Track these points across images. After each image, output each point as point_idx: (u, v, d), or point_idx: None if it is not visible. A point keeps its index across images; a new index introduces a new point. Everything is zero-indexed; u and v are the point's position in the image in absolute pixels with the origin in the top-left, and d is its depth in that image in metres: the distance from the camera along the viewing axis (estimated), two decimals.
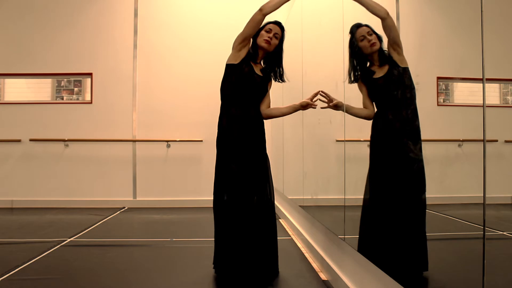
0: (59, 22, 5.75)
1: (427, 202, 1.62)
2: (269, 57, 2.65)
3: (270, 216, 2.59)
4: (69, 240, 3.64)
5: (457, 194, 1.47)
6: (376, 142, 2.02)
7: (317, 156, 3.20)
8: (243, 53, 2.57)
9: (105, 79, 5.77)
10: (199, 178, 5.67)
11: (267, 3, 2.46)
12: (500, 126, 1.28)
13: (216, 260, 2.57)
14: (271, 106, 2.74)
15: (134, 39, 5.80)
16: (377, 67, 2.02)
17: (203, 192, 5.39)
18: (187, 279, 2.60)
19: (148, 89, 5.80)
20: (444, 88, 1.57)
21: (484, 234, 1.17)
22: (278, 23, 2.62)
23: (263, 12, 2.46)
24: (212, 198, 2.58)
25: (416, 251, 1.71)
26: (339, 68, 2.33)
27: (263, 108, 2.67)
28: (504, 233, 1.34)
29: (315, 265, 2.86)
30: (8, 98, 5.86)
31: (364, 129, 2.09)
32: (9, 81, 5.89)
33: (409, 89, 1.77)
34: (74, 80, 5.90)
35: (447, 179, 1.54)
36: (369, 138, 2.06)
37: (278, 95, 3.93)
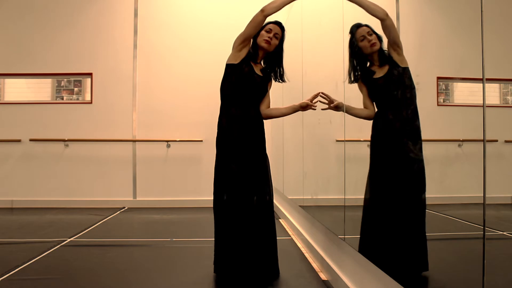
0: (59, 22, 5.75)
1: (427, 202, 1.62)
2: (269, 57, 2.65)
3: (270, 216, 2.59)
4: (69, 240, 3.64)
5: (457, 194, 1.47)
6: (376, 142, 2.02)
7: (317, 156, 3.20)
8: (243, 53, 2.57)
9: (105, 79, 5.77)
10: (199, 178, 5.68)
11: (269, 4, 2.46)
12: (500, 126, 1.28)
13: (216, 261, 2.57)
14: (271, 106, 2.73)
15: (134, 39, 5.80)
16: (377, 67, 2.02)
17: (203, 192, 5.39)
18: (187, 279, 2.60)
19: (148, 89, 5.80)
20: (444, 88, 1.57)
21: (484, 234, 1.17)
22: (278, 23, 2.62)
23: (264, 13, 2.46)
24: (212, 198, 2.58)
25: (416, 251, 1.71)
26: (339, 68, 2.33)
27: (263, 108, 2.66)
28: (504, 233, 1.34)
29: (315, 265, 2.86)
30: (8, 98, 5.86)
31: (364, 129, 2.10)
32: (9, 81, 5.89)
33: (409, 89, 1.77)
34: (74, 80, 5.90)
35: (447, 179, 1.54)
36: (369, 138, 2.06)
37: (278, 95, 3.93)
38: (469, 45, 1.34)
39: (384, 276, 1.77)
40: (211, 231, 2.61)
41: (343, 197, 2.35)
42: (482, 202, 1.17)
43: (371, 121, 2.06)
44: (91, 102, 5.78)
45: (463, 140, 1.41)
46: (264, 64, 2.68)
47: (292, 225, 3.99)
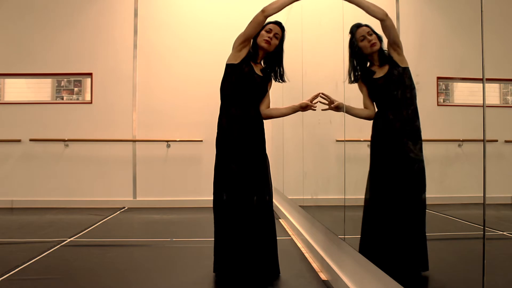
0: (59, 22, 5.75)
1: (427, 202, 1.62)
2: (269, 57, 2.65)
3: (270, 215, 2.59)
4: (69, 240, 3.64)
5: (457, 194, 1.47)
6: (376, 142, 2.02)
7: (317, 156, 3.20)
8: (243, 53, 2.57)
9: (105, 79, 5.77)
10: (199, 178, 5.68)
11: (269, 5, 2.46)
12: (500, 126, 1.28)
13: (216, 260, 2.57)
14: (271, 106, 2.73)
15: (134, 39, 5.80)
16: (377, 67, 2.02)
17: (203, 192, 5.38)
18: (187, 279, 2.60)
19: (148, 89, 5.80)
20: (444, 88, 1.57)
21: (484, 234, 1.17)
22: (278, 23, 2.62)
23: (265, 13, 2.46)
24: (212, 198, 2.58)
25: (416, 251, 1.71)
26: (339, 68, 2.33)
27: (263, 108, 2.66)
28: (504, 233, 1.34)
29: (315, 265, 2.86)
30: (8, 98, 5.86)
31: (364, 129, 2.10)
32: (9, 81, 5.89)
33: (409, 89, 1.77)
34: (74, 80, 5.90)
35: (447, 179, 1.54)
36: (369, 138, 2.06)
37: (278, 95, 3.93)
38: (469, 45, 1.34)
39: (384, 276, 1.77)
40: (211, 231, 2.61)
41: (343, 197, 2.35)
42: (482, 202, 1.17)
43: (371, 121, 2.06)
44: (91, 102, 5.78)
45: (463, 140, 1.41)
46: (264, 64, 2.68)
47: (292, 225, 3.99)
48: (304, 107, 2.64)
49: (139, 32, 5.81)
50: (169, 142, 5.78)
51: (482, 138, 1.18)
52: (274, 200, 2.61)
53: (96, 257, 3.12)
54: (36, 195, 5.61)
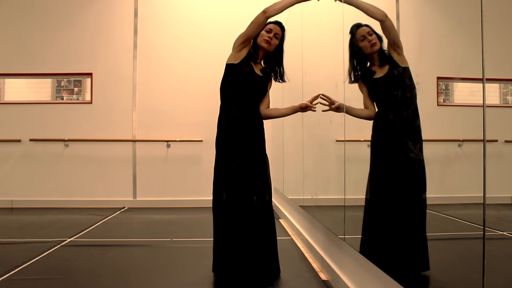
0: (59, 22, 5.75)
1: (427, 202, 1.63)
2: (270, 57, 2.65)
3: (269, 215, 2.59)
4: (69, 240, 3.64)
5: (457, 194, 1.47)
6: (377, 142, 2.02)
7: (317, 156, 3.20)
8: (243, 53, 2.57)
9: (105, 79, 5.77)
10: (199, 178, 5.67)
11: (271, 6, 2.46)
12: (500, 126, 1.28)
13: (215, 261, 2.56)
14: (271, 107, 2.73)
15: (134, 39, 5.80)
16: (377, 67, 2.02)
17: (203, 192, 5.38)
18: (187, 279, 2.60)
19: (148, 89, 5.80)
20: (444, 88, 1.57)
21: (484, 234, 1.17)
22: (278, 23, 2.62)
23: (266, 14, 2.46)
24: (211, 198, 2.58)
25: (417, 251, 1.71)
26: (339, 68, 2.33)
27: (263, 108, 2.66)
28: (504, 233, 1.34)
29: (315, 265, 2.86)
30: (8, 98, 5.86)
31: (364, 129, 2.10)
32: (9, 81, 5.89)
33: (409, 89, 1.77)
34: (74, 80, 5.90)
35: (447, 179, 1.54)
36: (369, 138, 2.06)
37: (278, 95, 3.93)
38: (469, 45, 1.34)
39: (384, 276, 1.77)
40: (211, 231, 2.61)
41: (343, 197, 2.35)
42: (482, 202, 1.17)
43: (371, 121, 2.06)
44: (91, 102, 5.78)
45: (463, 140, 1.41)
46: (264, 64, 2.68)
47: (292, 225, 3.99)
48: (304, 108, 2.64)
49: (139, 32, 5.81)
50: (169, 142, 5.78)
51: (482, 138, 1.18)
52: (274, 200, 2.61)
53: (96, 257, 3.12)
54: (36, 195, 5.61)
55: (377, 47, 2.01)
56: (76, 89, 5.91)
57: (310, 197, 3.33)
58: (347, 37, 2.17)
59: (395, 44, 1.86)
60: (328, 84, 2.64)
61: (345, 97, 2.31)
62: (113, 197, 5.67)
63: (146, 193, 5.75)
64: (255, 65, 2.61)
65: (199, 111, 5.66)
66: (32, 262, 2.92)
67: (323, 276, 2.62)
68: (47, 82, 5.89)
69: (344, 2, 2.19)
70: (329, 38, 2.80)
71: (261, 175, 2.58)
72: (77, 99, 5.89)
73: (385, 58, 1.96)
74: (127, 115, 5.78)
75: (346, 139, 2.37)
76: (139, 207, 5.63)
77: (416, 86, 1.70)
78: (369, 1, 2.06)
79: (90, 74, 5.79)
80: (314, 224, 3.13)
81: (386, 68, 1.96)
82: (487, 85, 1.19)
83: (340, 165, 2.43)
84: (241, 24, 2.63)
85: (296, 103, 2.70)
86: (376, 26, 1.97)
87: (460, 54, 1.42)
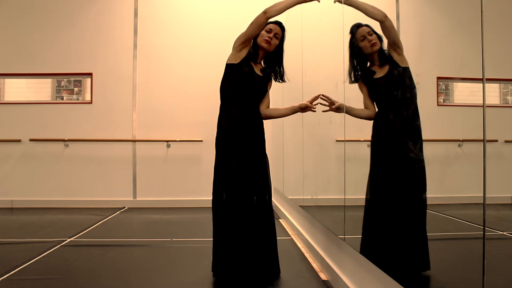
0: (59, 22, 5.75)
1: (427, 202, 1.63)
2: (270, 57, 2.65)
3: (269, 215, 2.59)
4: (69, 240, 3.64)
5: (457, 194, 1.47)
6: (377, 142, 2.02)
7: (317, 156, 3.20)
8: (243, 53, 2.57)
9: (105, 79, 5.77)
10: (199, 178, 5.67)
11: (272, 7, 2.46)
12: (500, 126, 1.28)
13: (215, 262, 2.56)
14: (271, 107, 2.74)
15: (134, 39, 5.80)
16: (377, 67, 2.02)
17: (203, 192, 5.38)
18: (187, 279, 2.60)
19: (148, 89, 5.80)
20: (444, 88, 1.57)
21: (484, 234, 1.17)
22: (278, 23, 2.62)
23: (267, 15, 2.46)
24: (211, 198, 2.58)
25: (417, 251, 1.71)
26: (339, 68, 2.33)
27: (262, 108, 2.66)
28: (504, 233, 1.34)
29: (315, 265, 2.86)
30: (8, 98, 5.86)
31: (364, 129, 2.10)
32: (9, 81, 5.89)
33: (409, 89, 1.77)
34: (74, 80, 5.90)
35: (447, 179, 1.54)
36: (369, 138, 2.06)
37: (278, 95, 3.93)
38: (469, 45, 1.34)
39: (384, 276, 1.77)
40: (211, 231, 2.61)
41: (343, 197, 2.35)
42: (482, 202, 1.17)
43: (371, 121, 2.06)
44: (91, 102, 5.78)
45: (463, 140, 1.41)
46: (264, 64, 2.68)
47: (292, 225, 3.99)
48: (303, 109, 2.64)
49: (139, 32, 5.81)
50: (169, 142, 5.78)
51: (482, 138, 1.18)
52: (274, 200, 2.61)
53: (96, 257, 3.12)
54: (36, 195, 5.60)
55: (377, 47, 2.01)
56: (76, 89, 5.91)
57: (310, 197, 3.33)
58: (347, 37, 2.17)
59: (395, 44, 1.86)
60: (328, 84, 2.64)
61: (345, 97, 2.31)
62: (113, 197, 5.67)
63: (146, 193, 5.75)
64: (255, 65, 2.61)
65: (199, 111, 5.66)
66: (32, 262, 2.92)
67: (323, 276, 2.62)
68: (47, 82, 5.89)
69: (344, 3, 2.19)
70: (329, 38, 2.80)
71: (261, 175, 2.58)
72: (77, 99, 5.89)
73: (385, 58, 1.96)
74: (127, 115, 5.78)
75: (346, 139, 2.37)
76: (139, 207, 5.63)
77: (416, 86, 1.70)
78: (369, 1, 2.06)
79: (90, 74, 5.79)
80: (314, 224, 3.13)
81: (386, 68, 1.96)
82: (487, 85, 1.19)
83: (340, 165, 2.43)
84: (241, 24, 2.63)
85: (296, 103, 2.70)
86: (376, 26, 1.97)
87: (460, 54, 1.42)
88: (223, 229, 2.53)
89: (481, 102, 1.18)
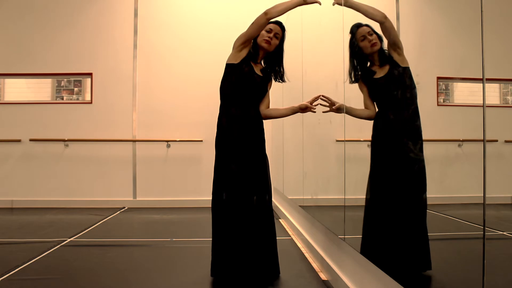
0: (59, 22, 5.75)
1: (428, 202, 1.63)
2: (270, 57, 2.65)
3: (269, 215, 2.59)
4: (69, 240, 3.64)
5: (457, 194, 1.47)
6: (377, 142, 2.02)
7: (317, 156, 3.20)
8: (243, 53, 2.57)
9: (105, 79, 5.77)
10: (199, 178, 5.67)
11: (272, 8, 2.46)
12: (500, 126, 1.28)
13: (214, 264, 2.55)
14: (271, 107, 2.73)
15: (134, 39, 5.80)
16: (377, 67, 2.02)
17: (203, 192, 5.38)
18: (187, 279, 2.60)
19: (148, 89, 5.80)
20: (444, 88, 1.57)
21: (484, 234, 1.17)
22: (279, 23, 2.61)
23: (267, 16, 2.46)
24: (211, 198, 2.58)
25: (417, 251, 1.71)
26: (339, 68, 2.33)
27: (262, 108, 2.66)
28: (504, 233, 1.34)
29: (315, 265, 2.86)
30: (8, 98, 5.86)
31: (364, 129, 2.10)
32: (9, 81, 5.89)
33: (409, 89, 1.77)
34: (74, 80, 5.90)
35: (447, 179, 1.54)
36: (369, 138, 2.06)
37: (278, 95, 3.93)
38: (469, 45, 1.34)
39: (384, 276, 1.77)
40: (211, 231, 2.61)
41: (343, 197, 2.35)
42: (482, 202, 1.17)
43: (371, 121, 2.06)
44: (91, 102, 5.78)
45: (463, 140, 1.41)
46: (264, 64, 2.68)
47: (292, 225, 3.99)
48: (303, 109, 2.64)
49: (139, 32, 5.81)
50: (169, 142, 5.77)
51: (482, 138, 1.18)
52: (274, 200, 2.61)
53: (96, 257, 3.12)
54: (36, 195, 5.60)
55: (377, 47, 2.01)
56: (76, 89, 5.91)
57: (310, 197, 3.33)
58: (347, 37, 2.17)
59: (395, 44, 1.86)
60: (328, 84, 2.64)
61: (345, 97, 2.31)
62: (113, 197, 5.67)
63: (146, 193, 5.75)
64: (255, 65, 2.61)
65: (199, 111, 5.66)
66: (32, 262, 2.92)
67: (323, 276, 2.62)
68: (47, 82, 5.89)
69: (344, 5, 2.19)
70: (329, 38, 2.80)
71: (261, 175, 2.58)
72: (77, 99, 5.89)
73: (385, 58, 1.96)
74: (127, 115, 5.77)
75: (346, 139, 2.37)
76: (139, 207, 5.63)
77: (416, 86, 1.70)
78: (369, 1, 2.06)
79: (90, 74, 5.79)
80: (314, 224, 3.13)
81: (386, 68, 1.96)
82: (487, 85, 1.19)
83: (340, 165, 2.43)
84: (241, 24, 2.63)
85: (296, 103, 2.70)
86: (376, 26, 1.97)
87: (460, 54, 1.42)
88: (223, 229, 2.53)
89: (481, 102, 1.18)
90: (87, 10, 5.79)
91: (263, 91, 2.66)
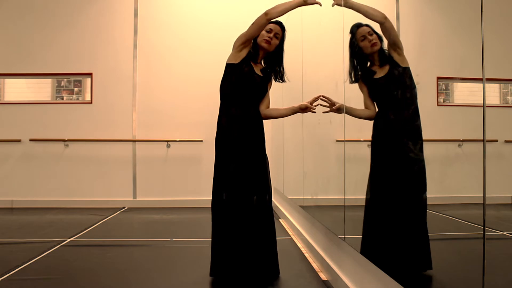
0: (59, 22, 5.75)
1: (427, 202, 1.63)
2: (270, 57, 2.65)
3: (269, 215, 2.59)
4: (69, 240, 3.64)
5: (457, 194, 1.47)
6: (377, 142, 2.02)
7: (317, 156, 3.20)
8: (243, 53, 2.57)
9: (105, 79, 5.77)
10: (199, 178, 5.67)
11: (273, 8, 2.46)
12: (500, 126, 1.28)
13: (213, 264, 2.55)
14: (271, 107, 2.74)
15: (134, 39, 5.80)
16: (377, 67, 2.02)
17: (203, 192, 5.37)
18: (187, 279, 2.60)
19: (148, 89, 5.80)
20: (444, 88, 1.57)
21: (484, 234, 1.17)
22: (279, 23, 2.61)
23: (268, 16, 2.46)
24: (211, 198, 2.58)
25: (417, 251, 1.71)
26: (339, 68, 2.33)
27: (262, 108, 2.66)
28: (504, 233, 1.34)
29: (315, 265, 2.86)
30: (8, 98, 5.86)
31: (364, 129, 2.10)
32: (9, 81, 5.89)
33: (410, 89, 1.77)
34: (74, 80, 5.90)
35: (447, 179, 1.54)
36: (369, 138, 2.06)
37: (278, 95, 3.93)
38: (469, 45, 1.34)
39: (384, 276, 1.77)
40: (211, 231, 2.61)
41: (343, 197, 2.35)
42: (482, 202, 1.17)
43: (371, 121, 2.06)
44: (91, 102, 5.78)
45: (463, 140, 1.41)
46: (264, 64, 2.68)
47: (292, 225, 3.99)
48: (303, 109, 2.64)
49: (139, 32, 5.81)
50: (169, 142, 5.77)
51: (482, 138, 1.18)
52: (274, 200, 2.61)
53: (96, 257, 3.12)
54: (36, 195, 5.60)
55: (377, 47, 2.01)
56: (76, 89, 5.91)
57: (310, 197, 3.33)
58: (347, 37, 2.17)
59: (395, 44, 1.86)
60: (328, 84, 2.64)
61: (345, 97, 2.31)
62: (113, 197, 5.67)
63: (146, 193, 5.75)
64: (255, 65, 2.61)
65: (199, 111, 5.66)
66: (32, 262, 2.92)
67: (323, 276, 2.62)
68: (47, 82, 5.89)
69: (344, 6, 2.19)
70: (329, 38, 2.80)
71: (261, 175, 2.58)
72: (77, 99, 5.89)
73: (385, 58, 1.96)
74: (127, 115, 5.77)
75: (346, 139, 2.37)
76: (139, 207, 5.63)
77: (416, 86, 1.70)
78: (369, 1, 2.06)
79: (90, 74, 5.79)
80: (314, 224, 3.13)
81: (386, 68, 1.96)
82: (487, 85, 1.19)
83: (340, 165, 2.43)
84: (241, 24, 2.63)
85: (296, 103, 2.70)
86: (376, 25, 1.97)
87: (460, 54, 1.42)
88: (223, 229, 2.53)
89: (481, 102, 1.18)
90: (87, 10, 5.79)
91: (263, 91, 2.66)
